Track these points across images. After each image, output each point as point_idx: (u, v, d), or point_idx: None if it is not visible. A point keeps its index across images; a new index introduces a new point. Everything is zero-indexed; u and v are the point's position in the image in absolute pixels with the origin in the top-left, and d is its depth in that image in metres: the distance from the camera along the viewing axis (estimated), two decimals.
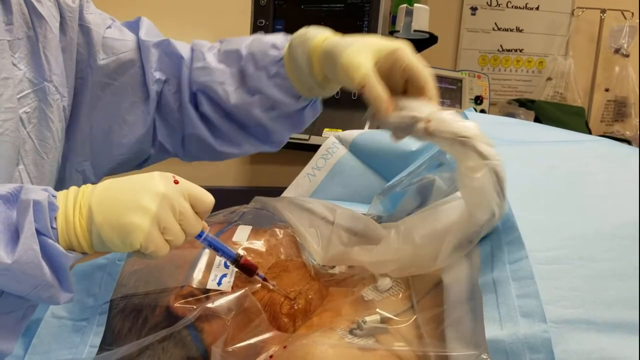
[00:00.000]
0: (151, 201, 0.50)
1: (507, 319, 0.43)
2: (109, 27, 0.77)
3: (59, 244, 0.49)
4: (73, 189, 0.53)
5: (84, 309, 0.64)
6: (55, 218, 0.50)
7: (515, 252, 0.48)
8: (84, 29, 0.75)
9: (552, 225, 0.51)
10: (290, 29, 1.40)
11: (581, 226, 0.50)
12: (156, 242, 0.51)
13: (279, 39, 0.74)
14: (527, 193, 0.56)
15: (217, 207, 0.78)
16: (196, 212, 0.54)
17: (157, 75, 0.78)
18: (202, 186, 0.56)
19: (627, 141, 2.16)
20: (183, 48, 0.79)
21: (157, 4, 1.68)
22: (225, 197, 0.99)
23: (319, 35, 0.67)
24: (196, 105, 0.79)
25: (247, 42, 0.76)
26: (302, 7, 1.41)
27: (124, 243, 0.50)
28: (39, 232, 0.48)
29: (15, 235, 0.48)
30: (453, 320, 0.48)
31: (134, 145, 0.80)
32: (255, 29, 1.44)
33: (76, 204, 0.51)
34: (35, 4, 0.67)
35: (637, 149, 0.65)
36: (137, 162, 0.85)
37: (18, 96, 0.64)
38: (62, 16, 0.72)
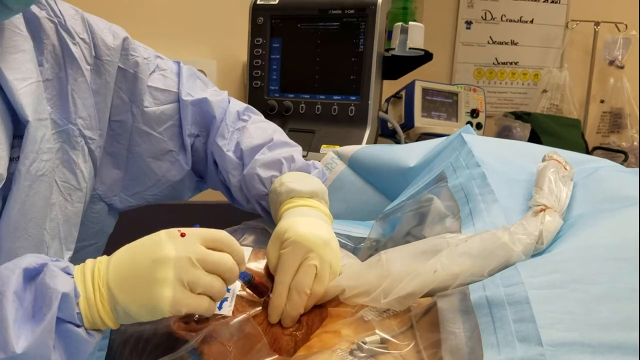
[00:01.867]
0: (165, 270, 0.51)
1: (504, 344, 0.44)
2: (153, 71, 0.80)
3: (83, 326, 0.50)
4: (88, 266, 0.53)
5: None
6: (78, 303, 0.50)
7: (509, 277, 0.49)
8: (129, 75, 0.77)
9: (558, 236, 0.52)
10: (287, 47, 1.43)
11: (574, 249, 0.51)
12: (187, 302, 0.51)
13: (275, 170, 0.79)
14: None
15: (219, 222, 0.80)
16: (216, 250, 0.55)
17: (192, 129, 0.83)
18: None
19: (623, 152, 2.17)
20: (218, 108, 0.84)
21: (156, 22, 1.70)
22: (226, 212, 1.00)
23: (282, 206, 0.73)
24: (215, 164, 0.86)
25: (260, 159, 0.80)
26: (299, 25, 1.42)
27: (154, 315, 0.51)
28: (61, 320, 0.48)
29: (30, 319, 0.48)
30: (450, 346, 0.49)
31: (165, 189, 0.85)
32: (253, 47, 1.45)
33: (95, 285, 0.51)
34: (70, 45, 0.68)
35: (637, 170, 0.66)
36: (170, 199, 0.91)
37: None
38: (98, 57, 0.73)
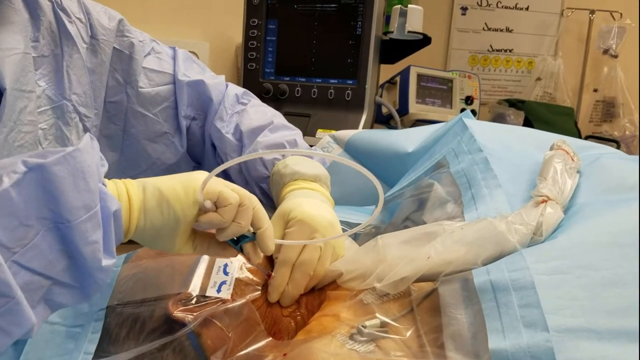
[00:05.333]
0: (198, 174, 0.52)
1: (510, 329, 0.44)
2: (148, 54, 0.80)
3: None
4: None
5: (78, 315, 0.63)
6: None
7: (514, 262, 0.48)
8: (124, 56, 0.77)
9: (550, 236, 0.51)
10: (283, 28, 1.41)
11: (579, 236, 0.50)
12: (220, 187, 0.51)
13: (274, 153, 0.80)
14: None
15: None
16: None
17: (188, 111, 0.83)
18: None
19: (616, 141, 2.18)
20: (215, 91, 0.83)
21: (148, 2, 1.66)
22: None
23: (285, 187, 0.74)
24: (214, 147, 0.86)
25: (262, 141, 0.80)
26: (295, 7, 1.40)
27: (186, 192, 0.50)
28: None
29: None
30: (451, 331, 0.48)
31: (161, 172, 0.84)
32: (248, 28, 1.43)
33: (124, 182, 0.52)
34: (66, 23, 0.68)
35: (637, 157, 0.66)
36: None
37: (37, 111, 0.65)
38: (94, 37, 0.73)
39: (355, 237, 0.75)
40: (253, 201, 0.55)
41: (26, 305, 0.43)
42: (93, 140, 0.48)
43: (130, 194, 0.51)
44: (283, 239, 0.62)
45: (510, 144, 0.70)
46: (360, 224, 0.77)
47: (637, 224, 0.48)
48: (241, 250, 0.58)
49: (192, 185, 0.51)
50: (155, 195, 0.51)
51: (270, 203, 0.79)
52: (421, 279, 0.54)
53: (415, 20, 1.36)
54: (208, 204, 0.52)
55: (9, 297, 0.41)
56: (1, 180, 0.41)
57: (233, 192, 0.53)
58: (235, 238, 0.56)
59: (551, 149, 0.64)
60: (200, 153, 0.88)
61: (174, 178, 0.52)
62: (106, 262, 0.46)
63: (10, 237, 0.41)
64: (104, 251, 0.46)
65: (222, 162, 0.84)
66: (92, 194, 0.45)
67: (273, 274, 0.60)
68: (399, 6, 1.37)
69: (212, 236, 0.57)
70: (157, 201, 0.51)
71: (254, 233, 0.57)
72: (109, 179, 0.81)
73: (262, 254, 0.58)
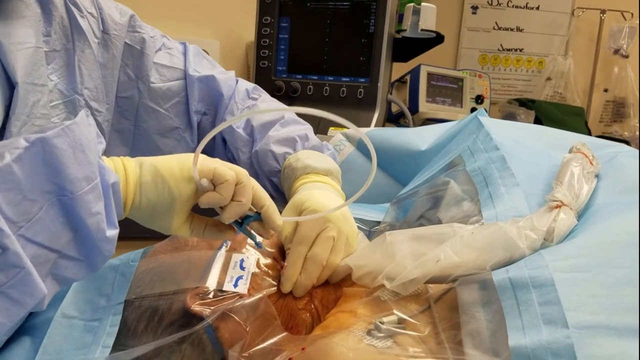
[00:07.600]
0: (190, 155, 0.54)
1: (530, 327, 0.44)
2: (159, 49, 0.81)
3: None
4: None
5: (96, 309, 0.63)
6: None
7: (533, 260, 0.48)
8: (135, 52, 0.78)
9: (570, 234, 0.51)
10: (295, 26, 1.41)
11: (598, 235, 0.50)
12: (214, 164, 0.53)
13: (288, 147, 0.80)
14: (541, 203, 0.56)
15: None
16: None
17: (199, 106, 0.83)
18: None
19: (626, 142, 2.17)
20: (225, 86, 0.84)
21: (159, 1, 1.67)
22: None
23: (297, 181, 0.74)
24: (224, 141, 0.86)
25: (274, 135, 0.81)
26: (308, 4, 1.40)
27: (181, 169, 0.52)
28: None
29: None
30: (470, 329, 0.49)
31: None
32: (261, 26, 1.43)
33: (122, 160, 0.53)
34: (78, 17, 0.69)
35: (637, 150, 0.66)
36: None
37: (50, 105, 0.65)
38: (106, 32, 0.74)
39: (369, 235, 0.76)
40: (251, 180, 0.56)
41: (36, 275, 0.44)
42: (89, 118, 0.49)
43: (126, 169, 0.52)
44: (296, 229, 0.63)
45: (526, 142, 0.70)
46: (375, 221, 0.78)
47: None
48: (247, 234, 0.58)
49: (187, 163, 0.53)
50: (150, 170, 0.52)
51: (281, 197, 0.80)
52: (430, 281, 0.54)
53: (428, 19, 1.36)
54: (205, 182, 0.53)
55: (20, 268, 0.42)
56: (3, 157, 0.43)
57: (229, 170, 0.54)
58: (240, 221, 0.57)
59: (570, 151, 0.64)
60: (211, 148, 0.88)
61: (171, 157, 0.54)
62: (110, 232, 0.48)
63: (15, 212, 0.43)
64: (107, 222, 0.48)
65: (233, 157, 0.85)
66: (92, 165, 0.46)
67: (285, 264, 0.61)
68: (411, 4, 1.37)
69: (209, 220, 0.58)
70: (153, 176, 0.52)
71: (258, 213, 0.57)
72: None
73: (270, 232, 0.59)
